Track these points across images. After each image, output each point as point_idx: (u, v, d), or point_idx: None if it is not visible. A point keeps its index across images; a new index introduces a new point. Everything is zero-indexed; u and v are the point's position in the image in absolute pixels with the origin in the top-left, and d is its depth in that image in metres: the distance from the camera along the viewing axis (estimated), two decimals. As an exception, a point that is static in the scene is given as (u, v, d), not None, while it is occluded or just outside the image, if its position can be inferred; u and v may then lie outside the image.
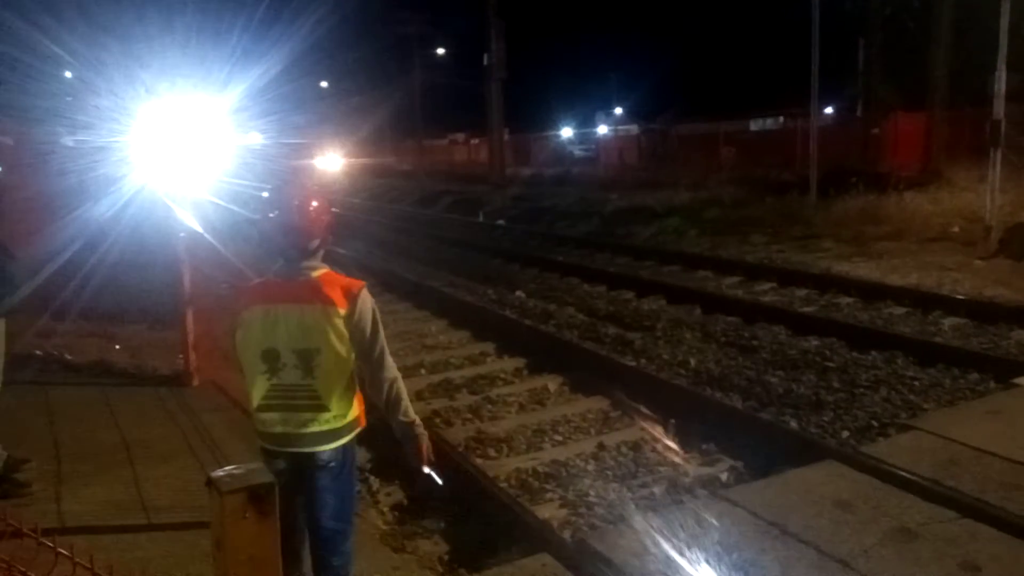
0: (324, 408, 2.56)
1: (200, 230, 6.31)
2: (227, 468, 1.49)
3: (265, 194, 2.78)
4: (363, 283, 2.66)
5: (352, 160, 42.06)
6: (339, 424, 2.60)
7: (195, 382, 5.84)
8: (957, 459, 3.99)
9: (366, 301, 2.62)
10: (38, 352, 6.49)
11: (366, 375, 2.68)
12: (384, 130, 47.77)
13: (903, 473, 3.81)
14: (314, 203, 2.67)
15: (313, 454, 2.59)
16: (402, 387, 2.71)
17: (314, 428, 2.56)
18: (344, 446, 2.65)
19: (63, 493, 4.03)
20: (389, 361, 2.69)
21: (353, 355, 2.59)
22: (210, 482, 1.47)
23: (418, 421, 2.73)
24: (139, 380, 6.02)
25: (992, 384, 5.78)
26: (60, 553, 1.51)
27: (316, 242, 2.65)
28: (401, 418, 2.70)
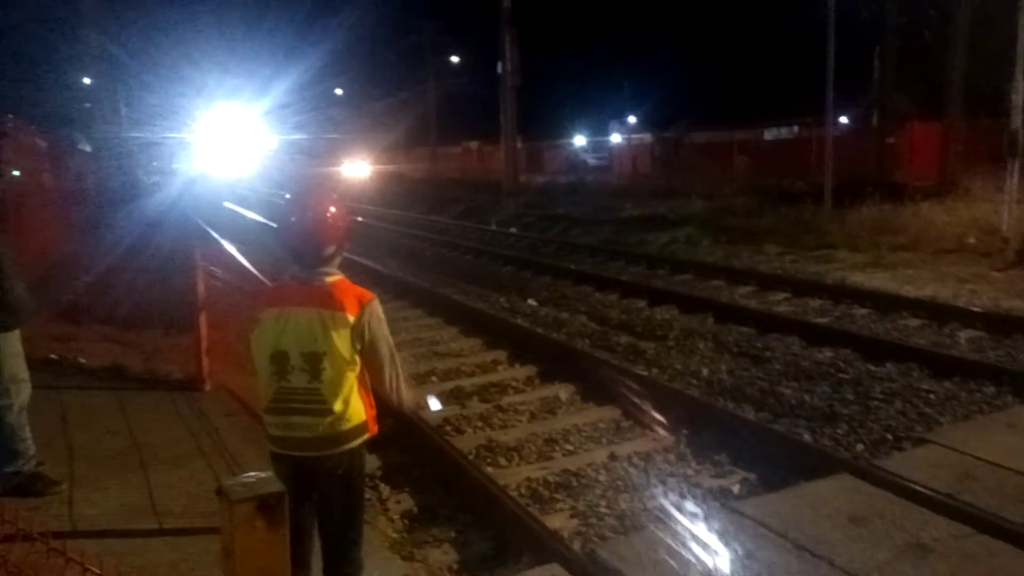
0: (329, 412, 2.57)
1: (217, 237, 6.37)
2: (238, 477, 1.49)
3: (286, 198, 2.82)
4: (373, 294, 2.69)
5: (378, 167, 42.42)
6: (344, 428, 2.60)
7: (207, 387, 5.87)
8: (974, 474, 3.94)
9: (375, 311, 2.66)
10: (53, 356, 6.54)
11: (373, 381, 2.72)
12: (398, 138, 48.09)
13: (919, 487, 3.76)
14: (331, 210, 2.69)
15: (320, 459, 2.60)
16: (404, 393, 2.80)
17: (319, 432, 2.57)
18: (351, 452, 2.65)
19: (75, 496, 4.05)
20: (392, 371, 2.72)
21: (359, 361, 2.61)
22: (220, 491, 1.47)
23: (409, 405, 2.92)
24: (152, 385, 6.05)
25: (1009, 398, 5.71)
26: (70, 559, 1.51)
27: (332, 248, 2.67)
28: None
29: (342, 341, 2.56)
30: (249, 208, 15.31)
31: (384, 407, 2.80)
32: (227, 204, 19.48)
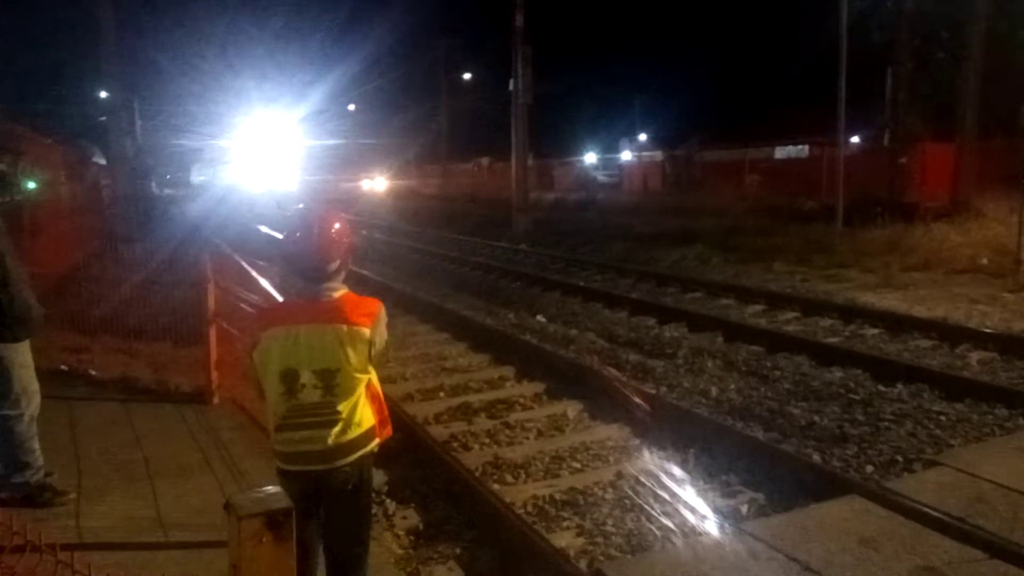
0: (340, 422, 2.59)
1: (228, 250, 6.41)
2: (246, 491, 1.50)
3: (293, 213, 2.84)
4: (380, 303, 2.71)
5: (393, 183, 42.66)
6: (355, 434, 2.61)
7: (216, 400, 5.88)
8: (985, 497, 3.90)
9: (383, 319, 2.70)
10: (63, 367, 6.58)
11: None
12: (412, 154, 48.39)
13: (929, 510, 3.72)
14: (336, 225, 2.71)
15: (329, 472, 2.60)
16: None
17: (328, 443, 2.58)
18: (360, 463, 2.65)
19: (83, 508, 4.06)
20: (386, 358, 2.82)
21: (370, 370, 2.63)
22: (228, 505, 1.47)
23: None
24: (161, 397, 6.07)
25: (1021, 420, 5.65)
26: (77, 572, 1.52)
27: (336, 264, 2.68)
28: None
29: (358, 354, 2.58)
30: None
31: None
32: (264, 229, 19.15)
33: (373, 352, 2.64)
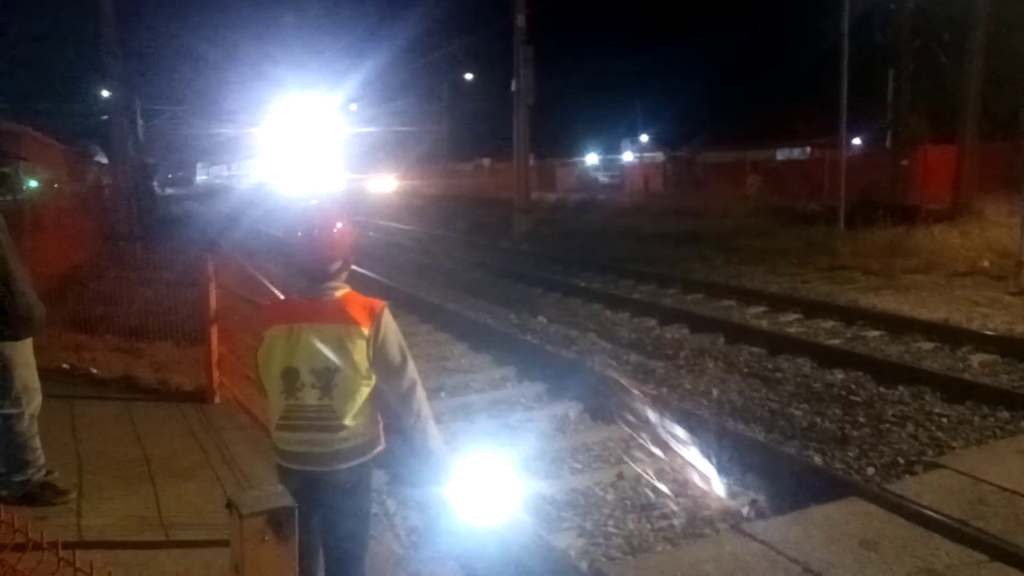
0: (341, 428, 2.55)
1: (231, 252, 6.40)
2: (248, 490, 1.50)
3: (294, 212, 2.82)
4: (384, 303, 2.67)
5: (401, 183, 42.40)
6: (356, 443, 2.59)
7: (217, 399, 5.88)
8: (986, 499, 3.89)
9: (388, 320, 2.63)
10: (65, 366, 6.58)
11: (391, 395, 2.66)
12: (418, 154, 48.33)
13: (930, 513, 3.72)
14: (338, 225, 2.69)
15: (328, 473, 2.58)
16: (427, 409, 2.71)
17: (330, 448, 2.56)
18: (360, 466, 2.64)
19: (83, 507, 4.06)
20: (415, 380, 2.68)
21: (373, 375, 2.59)
22: (230, 504, 1.47)
23: (443, 447, 2.74)
24: (163, 396, 6.07)
25: (1023, 423, 5.65)
26: (79, 570, 1.51)
27: (338, 263, 2.66)
28: (428, 441, 2.70)
29: (358, 355, 2.55)
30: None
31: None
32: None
33: (384, 359, 2.58)
